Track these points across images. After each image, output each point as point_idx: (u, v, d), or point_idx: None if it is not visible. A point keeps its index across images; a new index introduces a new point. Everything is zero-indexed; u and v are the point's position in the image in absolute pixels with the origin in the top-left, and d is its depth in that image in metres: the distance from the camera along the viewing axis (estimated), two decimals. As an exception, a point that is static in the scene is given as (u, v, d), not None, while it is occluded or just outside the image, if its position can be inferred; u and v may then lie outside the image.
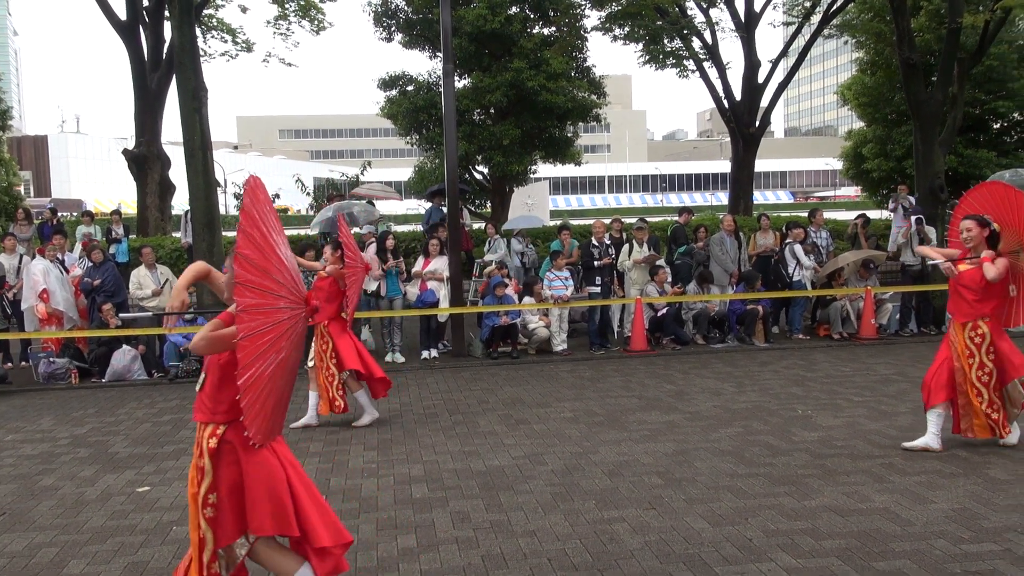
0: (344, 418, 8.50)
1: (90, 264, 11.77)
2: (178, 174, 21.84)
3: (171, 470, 6.82)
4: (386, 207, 30.95)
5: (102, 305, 11.23)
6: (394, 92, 22.30)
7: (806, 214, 14.81)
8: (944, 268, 6.70)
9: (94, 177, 69.16)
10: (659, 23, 22.29)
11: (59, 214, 18.66)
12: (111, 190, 63.34)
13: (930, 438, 6.60)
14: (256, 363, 3.34)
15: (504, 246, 13.72)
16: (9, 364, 11.74)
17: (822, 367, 10.49)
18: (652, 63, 24.51)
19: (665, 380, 9.96)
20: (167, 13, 20.73)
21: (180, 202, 23.79)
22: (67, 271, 11.89)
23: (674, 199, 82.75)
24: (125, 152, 21.53)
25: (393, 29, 22.62)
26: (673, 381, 9.89)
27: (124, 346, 11.03)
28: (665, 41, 23.66)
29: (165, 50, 21.12)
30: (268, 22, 24.36)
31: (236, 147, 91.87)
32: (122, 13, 21.07)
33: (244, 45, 26.36)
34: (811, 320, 13.25)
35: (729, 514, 5.36)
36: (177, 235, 18.74)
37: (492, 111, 21.54)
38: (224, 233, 13.00)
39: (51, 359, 11.00)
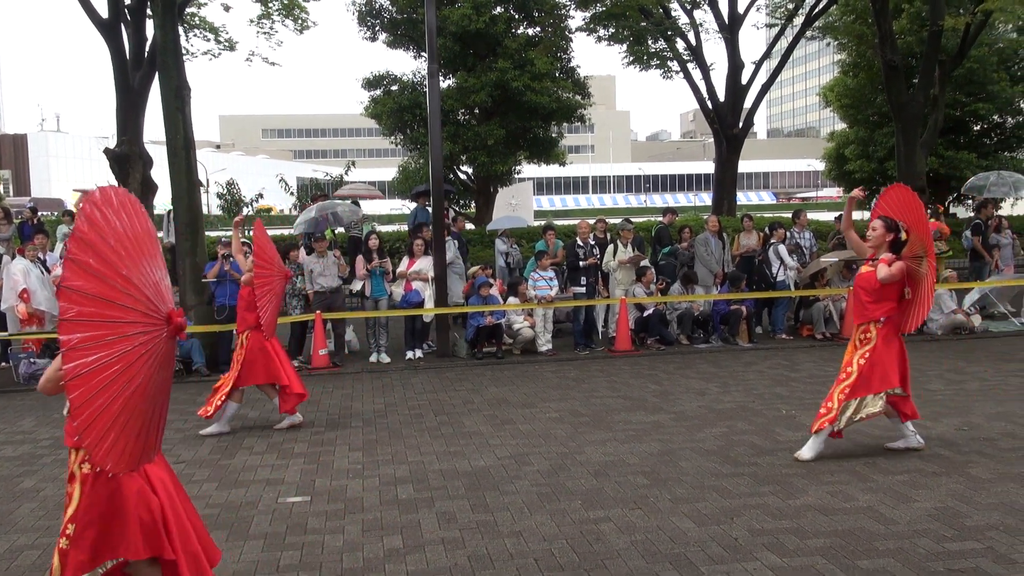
0: (329, 418, 8.48)
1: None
2: (160, 174, 21.70)
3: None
4: (370, 207, 30.90)
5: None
6: (378, 92, 22.28)
7: (790, 215, 14.89)
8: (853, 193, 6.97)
9: (75, 176, 68.61)
10: (643, 24, 22.38)
11: (39, 213, 18.49)
12: (92, 188, 62.93)
13: (910, 439, 6.65)
14: (97, 399, 3.12)
15: (455, 247, 13.72)
16: (-11, 365, 11.62)
17: (805, 367, 10.55)
18: (636, 64, 24.61)
19: (650, 380, 9.99)
20: (149, 11, 20.62)
21: (162, 202, 23.66)
22: (48, 271, 11.77)
23: (657, 200, 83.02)
24: (106, 151, 21.34)
25: (377, 29, 22.60)
26: (658, 381, 9.92)
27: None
28: (649, 42, 23.77)
29: (147, 48, 20.97)
30: (251, 21, 24.21)
31: (219, 146, 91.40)
32: (103, 11, 20.87)
33: (227, 44, 26.18)
34: (794, 320, 13.32)
35: (714, 513, 5.38)
36: (159, 235, 18.60)
37: (477, 111, 21.55)
38: (207, 233, 12.92)
39: (32, 360, 10.90)
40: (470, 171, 22.80)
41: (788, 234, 13.30)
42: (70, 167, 69.67)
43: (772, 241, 13.02)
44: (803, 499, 5.60)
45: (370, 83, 22.43)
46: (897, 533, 4.96)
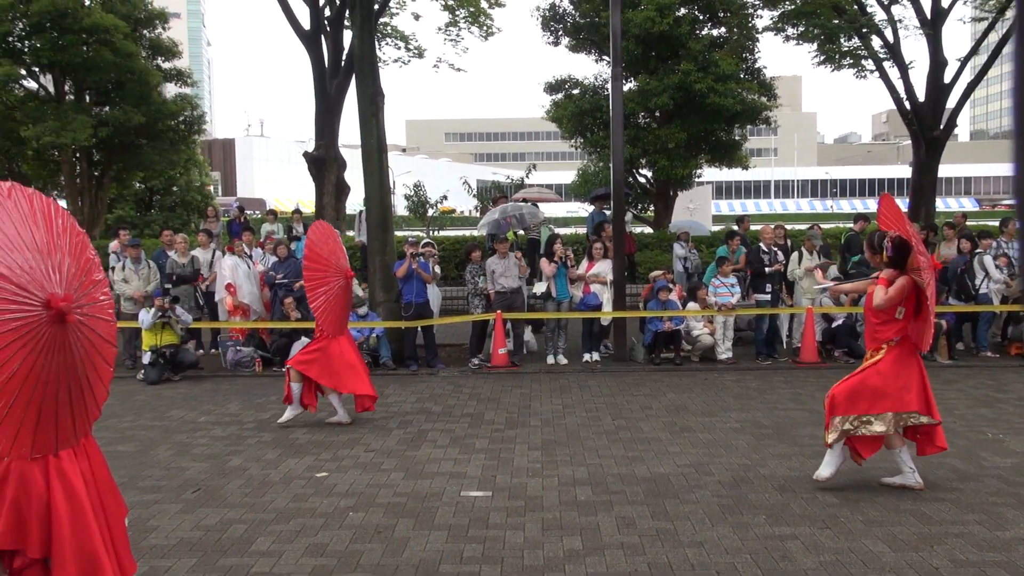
0: (509, 416, 8.64)
1: (274, 259, 12.50)
2: (352, 175, 22.90)
3: (346, 458, 7.14)
4: (547, 210, 31.30)
5: (284, 299, 11.90)
6: (560, 96, 22.51)
7: (998, 223, 13.81)
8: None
9: (275, 177, 73.51)
10: (836, 22, 21.37)
11: (246, 212, 19.94)
12: (290, 190, 67.13)
13: (907, 476, 6.04)
14: None
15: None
16: (201, 351, 12.65)
17: (1014, 388, 9.74)
18: (827, 63, 23.50)
19: (837, 394, 9.52)
20: (347, 22, 21.80)
21: (353, 202, 24.94)
22: (254, 264, 12.67)
23: (845, 205, 79.16)
24: (305, 154, 22.76)
25: (560, 33, 22.82)
26: (846, 396, 9.44)
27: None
28: (842, 40, 22.65)
29: (344, 57, 22.19)
30: (439, 28, 25.12)
31: (404, 150, 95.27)
32: (306, 23, 22.29)
33: (416, 51, 27.32)
34: (1001, 338, 12.32)
35: (912, 539, 5.07)
36: (351, 234, 19.62)
37: (658, 114, 21.34)
38: (395, 233, 13.46)
39: (238, 348, 11.76)
40: (649, 175, 22.61)
41: (996, 244, 12.33)
42: (271, 169, 74.71)
43: (978, 250, 12.12)
44: (1014, 531, 5.18)
45: (552, 87, 22.69)
46: None
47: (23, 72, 20.76)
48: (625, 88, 20.53)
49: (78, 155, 20.98)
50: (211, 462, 7.10)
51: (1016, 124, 0.95)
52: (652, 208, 23.34)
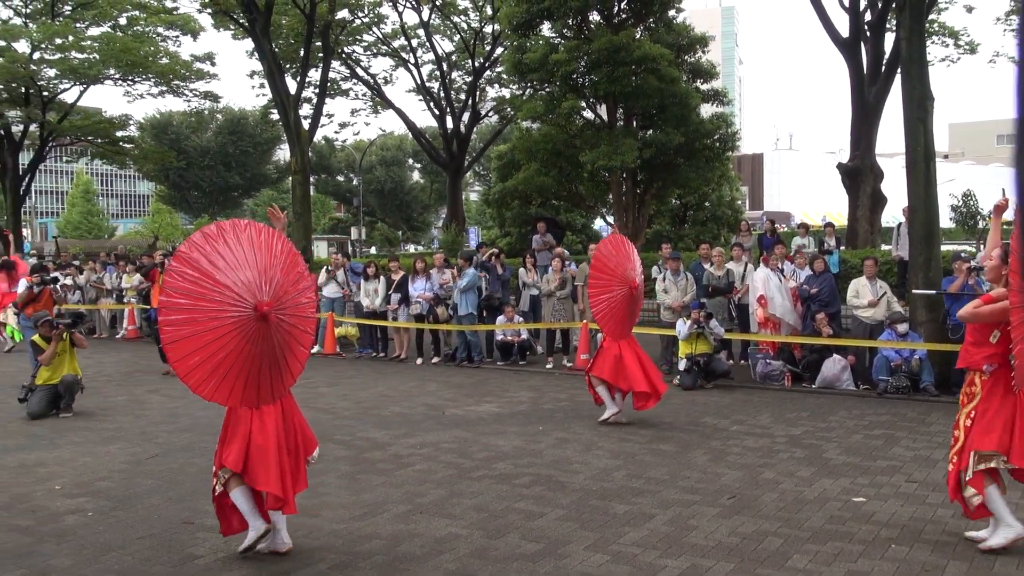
0: None
1: (808, 273, 12.34)
2: (889, 186, 21.64)
3: (886, 486, 6.74)
4: None
5: (816, 313, 11.67)
6: None
7: None
8: None
9: (803, 190, 72.56)
10: None
11: (775, 225, 20.02)
12: (818, 202, 65.72)
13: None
14: (194, 356, 4.71)
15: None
16: (731, 361, 13.00)
17: None
18: None
19: None
20: (888, 25, 20.70)
21: (889, 215, 23.51)
22: (785, 279, 12.65)
23: None
24: (839, 166, 22.13)
25: None
26: None
27: (835, 355, 11.30)
28: None
29: (885, 61, 21.12)
30: (998, 19, 22.65)
31: (947, 156, 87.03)
32: (844, 31, 21.68)
33: (967, 47, 24.91)
34: None
35: None
36: (887, 248, 18.51)
37: None
38: (942, 247, 12.35)
39: (768, 360, 11.83)
40: None
41: None
42: (798, 182, 73.95)
43: None
44: None
45: None
46: None
47: (583, 104, 23.45)
48: None
49: (624, 175, 23.02)
50: (744, 471, 7.24)
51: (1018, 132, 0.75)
52: None
